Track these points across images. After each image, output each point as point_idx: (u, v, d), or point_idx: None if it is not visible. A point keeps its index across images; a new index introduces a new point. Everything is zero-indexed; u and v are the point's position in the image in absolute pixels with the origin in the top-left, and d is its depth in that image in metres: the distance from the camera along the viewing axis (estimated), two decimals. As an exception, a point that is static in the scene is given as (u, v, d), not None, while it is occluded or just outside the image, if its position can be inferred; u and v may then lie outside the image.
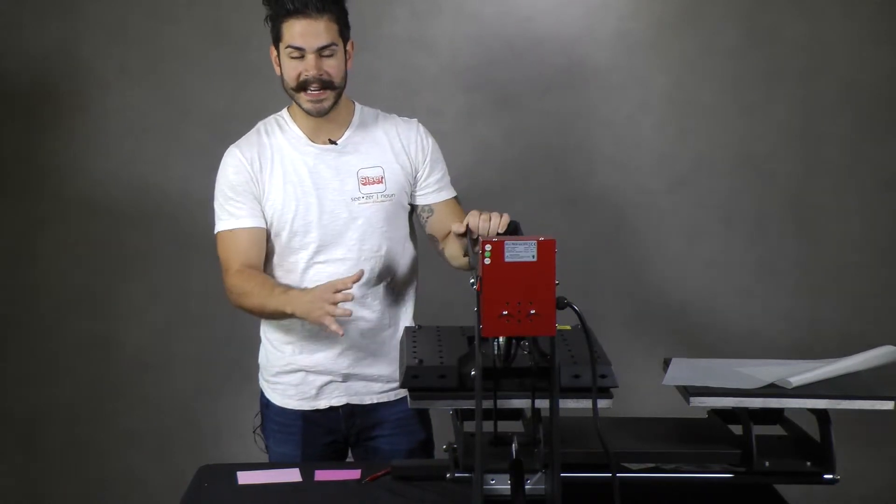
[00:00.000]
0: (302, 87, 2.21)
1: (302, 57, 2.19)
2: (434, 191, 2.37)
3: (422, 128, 2.38)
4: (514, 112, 3.29)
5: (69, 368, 3.35)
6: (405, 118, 2.39)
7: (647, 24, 3.26)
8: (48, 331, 3.34)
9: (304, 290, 2.21)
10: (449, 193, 2.40)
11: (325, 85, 2.21)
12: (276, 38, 2.23)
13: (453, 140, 3.24)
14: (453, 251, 2.27)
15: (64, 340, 3.34)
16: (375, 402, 2.38)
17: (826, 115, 3.30)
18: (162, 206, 3.28)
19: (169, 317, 3.34)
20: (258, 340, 2.45)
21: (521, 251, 1.62)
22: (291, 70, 2.21)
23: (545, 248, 1.62)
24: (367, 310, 2.31)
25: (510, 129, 3.30)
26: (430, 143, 2.37)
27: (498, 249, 1.62)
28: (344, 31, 2.24)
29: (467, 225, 2.07)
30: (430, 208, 2.37)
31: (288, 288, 2.23)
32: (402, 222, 2.37)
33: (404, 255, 2.38)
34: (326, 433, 2.38)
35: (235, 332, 3.06)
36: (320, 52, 2.19)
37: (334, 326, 2.05)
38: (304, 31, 2.18)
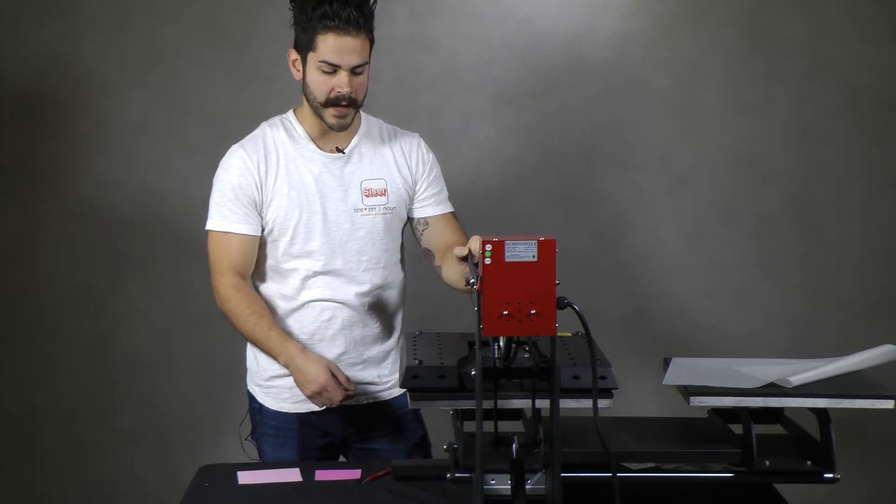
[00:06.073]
0: (332, 102, 2.16)
1: (334, 72, 2.14)
2: (431, 204, 2.35)
3: (423, 143, 2.37)
4: (514, 112, 3.29)
5: (69, 368, 3.35)
6: (407, 132, 2.38)
7: (647, 24, 3.26)
8: (48, 331, 3.33)
9: (304, 352, 2.18)
10: (446, 208, 2.38)
11: (352, 103, 2.17)
12: (307, 47, 2.15)
13: (453, 140, 3.25)
14: (451, 275, 2.22)
15: (64, 340, 3.34)
16: (372, 401, 2.37)
17: (826, 115, 3.30)
18: (162, 205, 3.28)
19: (169, 317, 3.34)
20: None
21: (522, 251, 1.62)
22: (322, 84, 2.15)
23: (545, 248, 1.61)
24: (364, 321, 2.32)
25: (510, 129, 3.30)
26: (430, 157, 2.36)
27: (498, 249, 1.61)
28: (371, 47, 2.20)
29: (469, 249, 2.01)
30: (426, 221, 2.35)
31: (286, 338, 2.20)
32: (398, 235, 2.37)
33: (397, 267, 2.37)
34: (321, 435, 2.37)
35: (235, 331, 3.05)
36: (353, 69, 2.15)
37: (316, 405, 2.21)
38: (343, 48, 2.11)
